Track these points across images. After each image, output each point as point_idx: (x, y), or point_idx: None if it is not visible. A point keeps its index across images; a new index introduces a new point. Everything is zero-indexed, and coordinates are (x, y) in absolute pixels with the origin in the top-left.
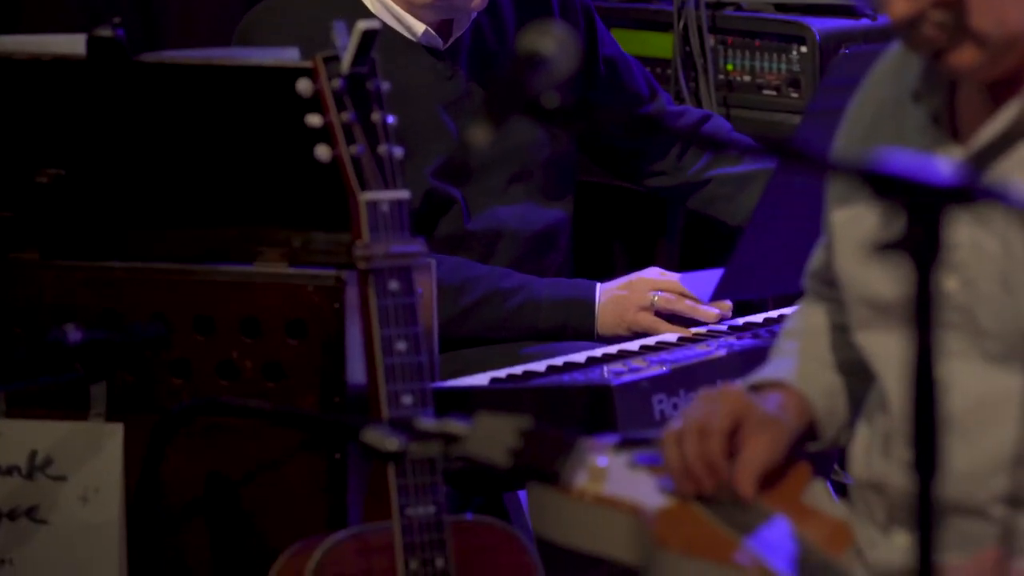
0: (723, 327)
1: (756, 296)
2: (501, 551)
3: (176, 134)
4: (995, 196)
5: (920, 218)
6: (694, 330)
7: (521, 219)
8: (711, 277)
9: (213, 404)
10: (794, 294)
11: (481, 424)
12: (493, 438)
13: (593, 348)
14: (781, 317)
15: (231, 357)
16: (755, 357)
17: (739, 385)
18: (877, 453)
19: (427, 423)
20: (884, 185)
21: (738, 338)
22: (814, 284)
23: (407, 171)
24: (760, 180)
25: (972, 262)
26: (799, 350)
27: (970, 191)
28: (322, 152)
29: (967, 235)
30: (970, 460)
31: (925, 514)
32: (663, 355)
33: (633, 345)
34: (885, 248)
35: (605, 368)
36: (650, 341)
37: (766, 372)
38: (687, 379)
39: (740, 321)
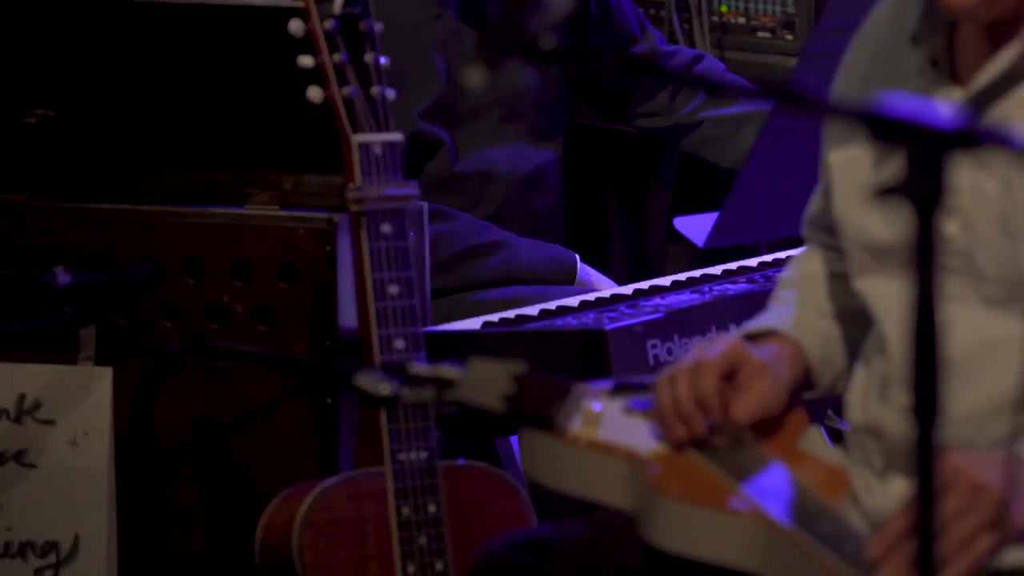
0: (717, 271)
1: (752, 240)
2: (494, 497)
3: (166, 74)
4: (997, 139)
5: (921, 162)
6: (688, 275)
7: (511, 160)
8: (706, 221)
9: (203, 348)
10: (790, 238)
11: (474, 369)
12: (486, 383)
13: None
14: (776, 261)
15: (221, 300)
16: (750, 302)
17: (734, 334)
18: (874, 398)
19: (420, 368)
20: (884, 128)
21: (733, 283)
22: (812, 232)
23: (394, 112)
24: (754, 122)
25: (972, 206)
26: (796, 299)
27: (971, 134)
28: (314, 93)
29: (968, 179)
30: (970, 404)
31: (925, 459)
32: (657, 300)
33: (627, 289)
34: (885, 193)
35: (599, 312)
36: (644, 285)
37: (761, 321)
38: (682, 324)
39: (735, 265)
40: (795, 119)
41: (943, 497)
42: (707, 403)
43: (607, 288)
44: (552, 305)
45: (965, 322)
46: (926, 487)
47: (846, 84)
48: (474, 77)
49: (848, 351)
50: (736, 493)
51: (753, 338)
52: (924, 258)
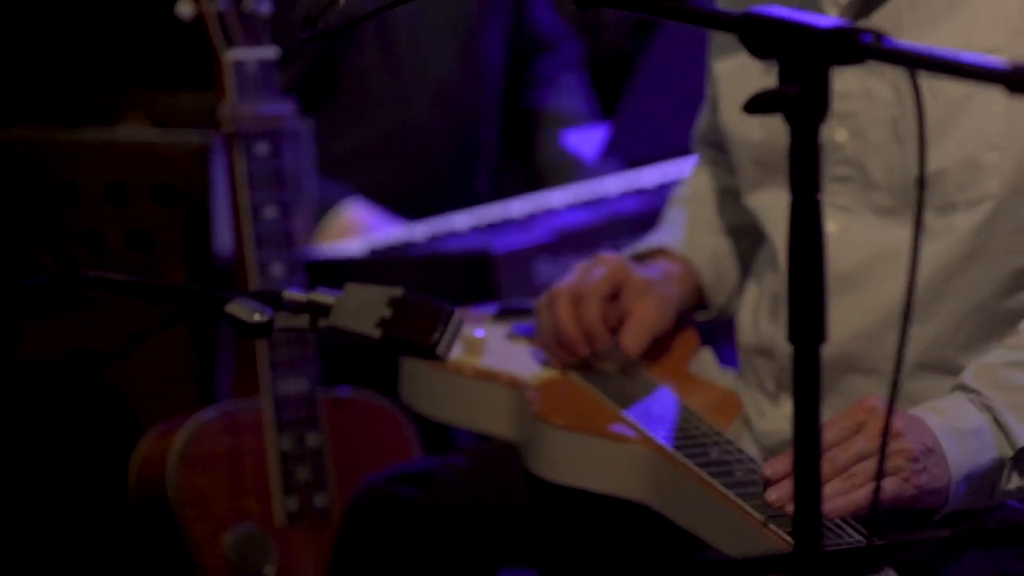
0: (612, 190)
1: (645, 153)
2: (378, 428)
3: None
4: (874, 53)
5: (796, 73)
6: (582, 195)
7: None
8: (596, 136)
9: (71, 277)
10: (687, 150)
11: (350, 295)
12: (362, 309)
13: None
14: (675, 180)
15: (95, 226)
16: (644, 221)
17: (619, 254)
18: (765, 316)
19: (295, 294)
20: (760, 39)
21: (628, 201)
22: (701, 148)
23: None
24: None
25: (863, 111)
26: (685, 217)
27: (850, 45)
28: (185, 8)
29: (858, 83)
30: (863, 317)
31: (806, 377)
32: (548, 220)
33: (517, 210)
34: (758, 105)
35: (487, 235)
36: (536, 206)
37: (649, 240)
38: (573, 244)
39: (630, 183)
40: (685, 32)
41: (856, 435)
42: (591, 331)
43: (382, 230)
44: (440, 227)
45: (857, 233)
46: (806, 405)
47: None
48: None
49: (741, 268)
50: (622, 420)
51: (641, 257)
52: (802, 171)
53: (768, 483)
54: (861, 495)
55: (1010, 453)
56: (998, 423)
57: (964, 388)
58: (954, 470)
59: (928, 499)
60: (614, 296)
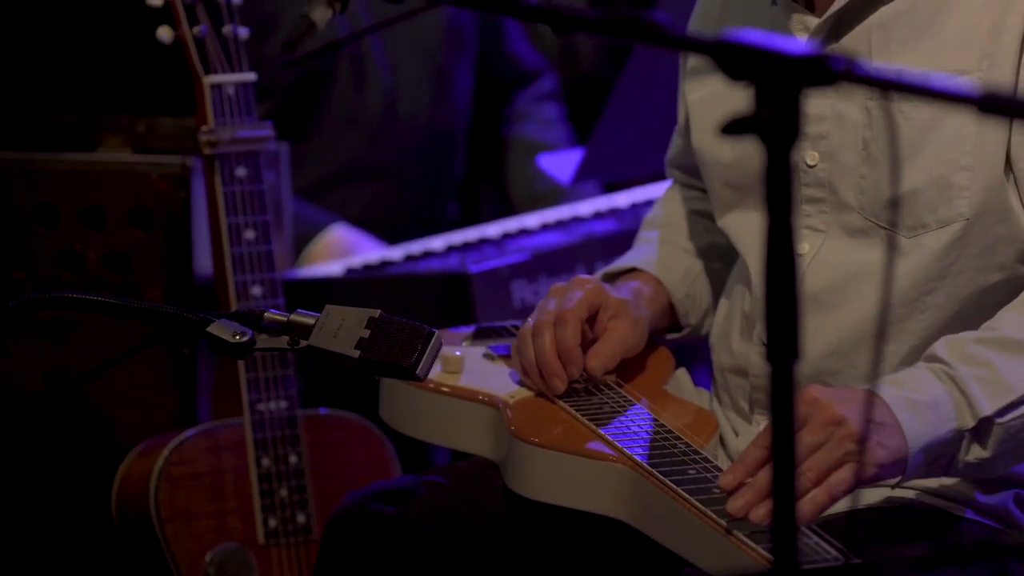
0: (587, 211)
1: (620, 176)
2: (357, 446)
3: (11, 15)
4: (847, 77)
5: (770, 97)
6: (557, 216)
7: None
8: (570, 158)
9: (51, 298)
10: (661, 173)
11: (329, 315)
12: (341, 330)
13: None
14: (648, 201)
15: (74, 248)
16: (618, 242)
17: (593, 276)
18: (738, 336)
19: (275, 315)
20: (734, 62)
21: (601, 222)
22: (673, 172)
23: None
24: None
25: (834, 133)
26: (658, 238)
27: (821, 67)
28: (164, 33)
29: (829, 106)
30: (834, 336)
31: (780, 395)
32: (524, 241)
33: (493, 231)
34: (732, 128)
35: (464, 255)
36: (511, 227)
37: (622, 260)
38: (548, 265)
39: (604, 204)
40: (657, 55)
41: (801, 430)
42: (569, 354)
43: (368, 251)
44: (417, 248)
45: (829, 253)
46: (782, 423)
47: (703, 18)
48: (318, 13)
49: (714, 289)
50: (600, 438)
51: (614, 277)
52: (776, 193)
53: (729, 494)
54: (821, 494)
55: (971, 423)
56: (963, 393)
57: (933, 358)
58: (911, 440)
59: (888, 472)
60: (591, 319)
